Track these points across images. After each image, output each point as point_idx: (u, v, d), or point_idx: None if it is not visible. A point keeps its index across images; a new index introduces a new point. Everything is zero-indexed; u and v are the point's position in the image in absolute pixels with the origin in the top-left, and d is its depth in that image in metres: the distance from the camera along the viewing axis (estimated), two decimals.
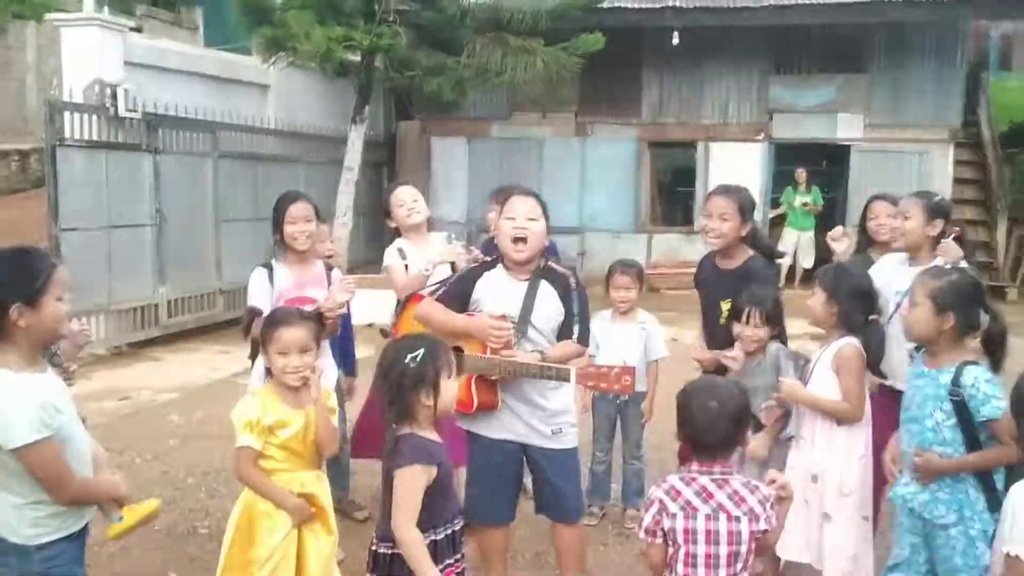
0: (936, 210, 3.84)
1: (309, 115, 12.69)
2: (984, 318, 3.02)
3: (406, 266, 4.54)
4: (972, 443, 2.95)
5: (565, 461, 3.62)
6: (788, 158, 14.47)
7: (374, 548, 2.66)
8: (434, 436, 2.68)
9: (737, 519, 2.49)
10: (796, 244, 13.48)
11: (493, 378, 3.45)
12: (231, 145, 10.82)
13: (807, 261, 13.25)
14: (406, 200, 4.70)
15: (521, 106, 14.44)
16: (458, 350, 3.43)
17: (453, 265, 4.51)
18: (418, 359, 2.60)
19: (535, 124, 14.64)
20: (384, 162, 14.87)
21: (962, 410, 2.93)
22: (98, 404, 6.90)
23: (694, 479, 2.54)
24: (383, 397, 2.64)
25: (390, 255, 4.63)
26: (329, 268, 4.30)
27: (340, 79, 11.63)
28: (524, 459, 3.65)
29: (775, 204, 14.17)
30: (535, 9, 10.82)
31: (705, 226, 3.99)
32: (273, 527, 3.04)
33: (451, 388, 2.67)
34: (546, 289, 3.54)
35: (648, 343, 4.87)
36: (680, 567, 2.51)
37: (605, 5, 11.84)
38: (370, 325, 7.38)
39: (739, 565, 2.50)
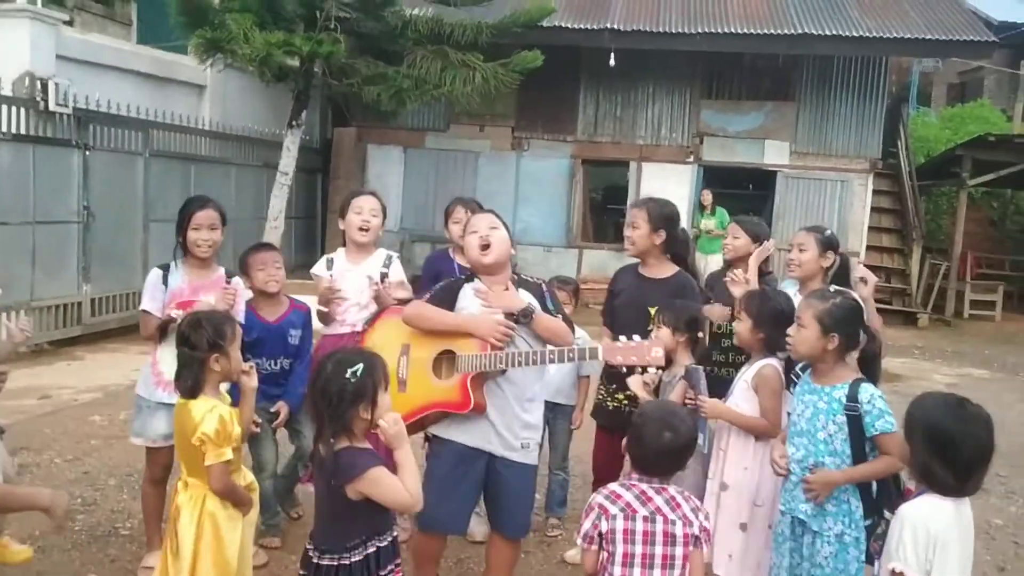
0: (828, 243, 4.08)
1: (244, 118, 12.61)
2: (863, 338, 3.24)
3: (331, 277, 4.52)
4: (858, 455, 3.15)
5: (527, 476, 3.66)
6: (717, 181, 14.86)
7: (316, 560, 2.69)
8: (368, 447, 2.73)
9: (672, 522, 2.67)
10: (704, 268, 13.21)
11: (487, 377, 3.47)
12: (164, 144, 10.68)
13: None
14: (364, 210, 4.52)
15: (458, 118, 14.55)
16: (447, 353, 3.51)
17: (384, 276, 4.54)
18: (358, 374, 2.63)
19: (472, 137, 14.77)
20: (319, 168, 14.83)
21: (854, 424, 3.14)
22: (17, 402, 6.74)
23: (634, 485, 2.72)
24: (319, 412, 2.67)
25: (318, 266, 4.62)
26: (230, 275, 4.19)
27: (272, 84, 11.58)
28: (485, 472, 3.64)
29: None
30: (476, 23, 10.94)
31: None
32: (233, 527, 3.11)
33: (386, 400, 2.71)
34: (524, 296, 3.61)
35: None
36: (617, 569, 2.64)
37: (545, 24, 12.03)
38: None
39: (675, 572, 2.64)
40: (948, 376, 10.35)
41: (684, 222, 11.43)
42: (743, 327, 3.64)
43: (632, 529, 2.66)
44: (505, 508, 3.64)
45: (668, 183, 14.20)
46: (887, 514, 3.11)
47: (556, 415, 4.98)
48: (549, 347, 3.49)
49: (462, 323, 3.50)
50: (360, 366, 2.65)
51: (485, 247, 3.57)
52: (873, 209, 14.71)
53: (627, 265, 4.52)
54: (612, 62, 12.99)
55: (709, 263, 13.32)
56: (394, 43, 10.97)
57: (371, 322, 4.07)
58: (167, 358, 3.74)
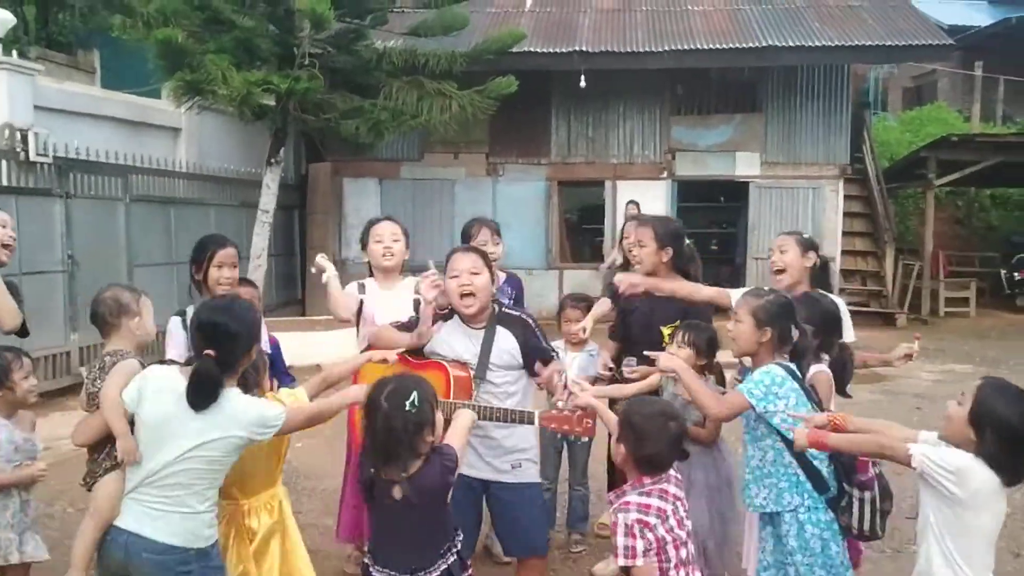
0: (808, 244, 4.19)
1: (220, 158, 12.59)
2: (795, 333, 3.34)
3: (362, 301, 4.44)
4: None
5: (526, 493, 3.67)
6: (690, 195, 15.07)
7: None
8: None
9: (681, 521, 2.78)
10: None
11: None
12: (143, 189, 10.64)
13: None
14: (384, 237, 4.46)
15: (432, 147, 14.64)
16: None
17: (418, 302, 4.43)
18: (416, 403, 2.66)
19: (447, 164, 14.86)
20: (296, 204, 14.80)
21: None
22: None
23: (650, 490, 2.77)
24: (382, 449, 2.68)
25: (349, 287, 4.48)
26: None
27: (251, 123, 11.60)
28: (484, 500, 3.69)
29: None
30: (449, 53, 11.07)
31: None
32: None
33: (440, 417, 2.76)
34: (503, 334, 3.64)
35: (597, 368, 5.04)
36: (681, 572, 2.70)
37: (515, 49, 12.18)
38: (317, 365, 7.37)
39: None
40: (933, 373, 10.53)
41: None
42: (742, 328, 3.69)
43: (671, 527, 2.73)
44: (516, 529, 3.66)
45: (644, 199, 14.29)
46: (847, 488, 3.22)
47: None
48: (495, 406, 3.48)
49: (409, 341, 3.67)
50: (414, 395, 2.67)
51: (467, 295, 3.58)
52: (844, 214, 14.96)
53: None
54: (583, 83, 13.16)
55: None
56: (369, 76, 11.05)
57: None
58: None
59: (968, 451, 2.64)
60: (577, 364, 4.94)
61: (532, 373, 3.67)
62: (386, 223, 4.55)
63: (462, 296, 3.58)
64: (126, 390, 2.91)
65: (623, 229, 5.11)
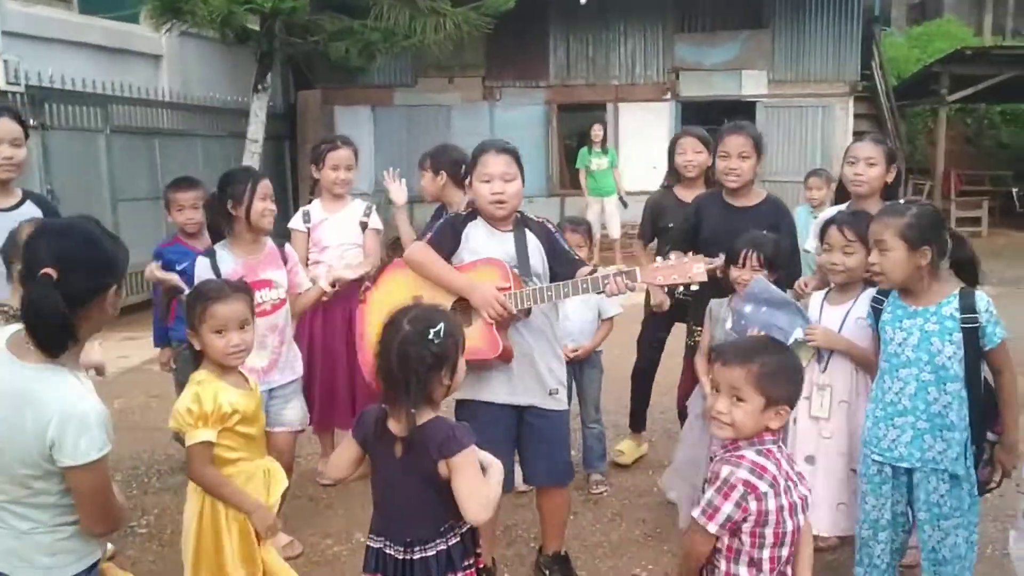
0: (892, 156, 3.77)
1: (205, 86, 12.06)
2: (949, 244, 2.95)
3: (308, 230, 4.59)
4: (972, 374, 2.89)
5: (559, 423, 3.53)
6: (694, 116, 14.54)
7: (402, 556, 2.38)
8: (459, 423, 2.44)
9: (797, 486, 2.34)
10: (601, 212, 12.07)
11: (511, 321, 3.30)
12: (124, 120, 10.15)
13: (614, 230, 12.04)
14: (341, 163, 4.56)
15: (427, 72, 14.07)
16: (463, 300, 3.30)
17: (364, 225, 4.59)
18: (441, 334, 2.29)
19: (441, 90, 14.30)
20: (285, 134, 14.30)
21: (970, 339, 2.86)
22: None
23: (770, 451, 2.29)
24: (394, 380, 2.31)
25: (295, 220, 4.63)
26: (280, 245, 3.95)
27: (237, 48, 11.05)
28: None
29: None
30: None
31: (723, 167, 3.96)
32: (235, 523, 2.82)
33: (463, 365, 2.40)
34: (531, 238, 3.44)
35: (602, 300, 4.69)
36: (766, 552, 2.26)
37: None
38: None
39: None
40: None
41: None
42: (856, 259, 3.28)
43: (782, 505, 2.25)
44: (545, 457, 3.51)
45: (647, 122, 13.90)
46: (990, 436, 2.91)
47: (582, 364, 4.69)
48: (580, 277, 3.28)
49: (461, 287, 3.31)
50: (442, 325, 2.30)
51: (499, 202, 3.36)
52: (853, 133, 14.49)
53: (707, 193, 4.29)
54: (583, 0, 12.54)
55: (606, 207, 12.12)
56: None
57: (374, 279, 3.80)
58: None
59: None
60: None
61: (554, 279, 3.42)
62: (343, 150, 4.60)
63: (496, 203, 3.36)
64: None
65: (673, 144, 4.80)
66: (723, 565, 2.30)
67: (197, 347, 2.87)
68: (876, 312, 3.08)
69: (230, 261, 3.72)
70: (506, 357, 3.31)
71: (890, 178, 3.74)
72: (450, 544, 2.37)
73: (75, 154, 9.35)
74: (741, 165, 3.91)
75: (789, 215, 4.16)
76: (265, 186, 3.77)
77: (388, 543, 2.41)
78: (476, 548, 2.49)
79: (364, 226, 4.62)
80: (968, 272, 2.98)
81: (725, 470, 2.24)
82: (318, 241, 4.56)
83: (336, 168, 4.55)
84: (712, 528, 2.24)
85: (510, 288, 3.24)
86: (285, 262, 3.88)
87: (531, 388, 3.41)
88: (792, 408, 2.33)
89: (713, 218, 4.05)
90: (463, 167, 4.02)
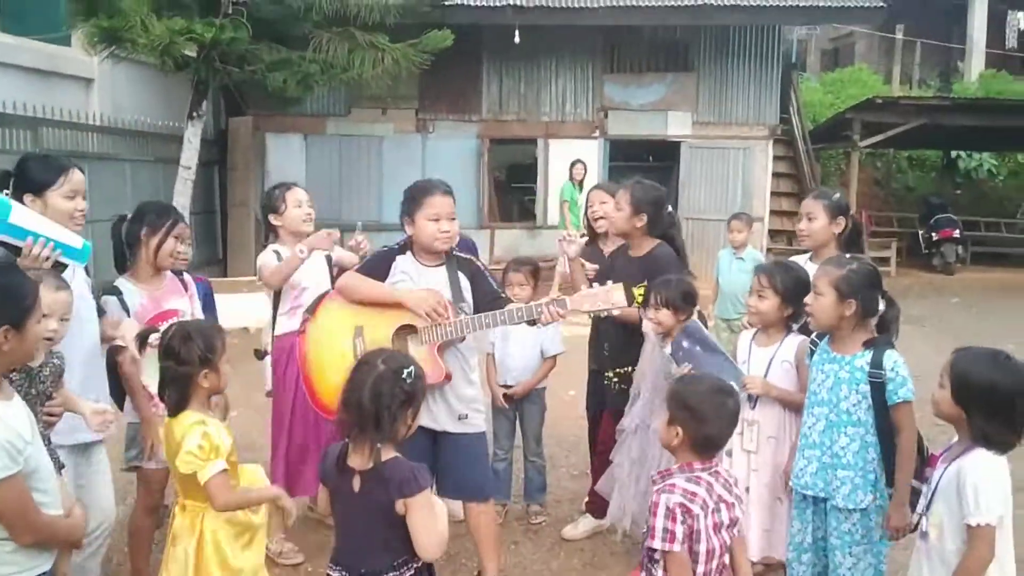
0: (837, 209, 3.94)
1: (136, 111, 11.92)
2: (881, 304, 3.24)
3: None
4: (880, 424, 3.14)
5: (473, 444, 3.77)
6: (621, 154, 14.97)
7: None
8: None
9: (732, 506, 2.61)
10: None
11: (447, 346, 3.56)
12: (54, 143, 9.96)
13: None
14: (304, 202, 4.52)
15: (360, 102, 14.15)
16: (408, 328, 3.55)
17: (329, 259, 4.55)
18: (412, 375, 2.47)
19: (374, 121, 14.40)
20: (215, 160, 14.17)
21: (877, 392, 3.13)
22: None
23: (699, 478, 2.57)
24: (364, 415, 2.45)
25: (266, 255, 4.44)
26: (179, 273, 3.97)
27: (171, 74, 10.99)
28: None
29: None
30: (382, 4, 10.62)
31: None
32: (243, 545, 2.91)
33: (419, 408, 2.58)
34: (460, 275, 3.73)
35: (545, 339, 4.90)
36: (700, 568, 2.52)
37: (448, 2, 11.80)
38: (245, 328, 7.06)
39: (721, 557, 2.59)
40: None
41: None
42: (769, 304, 3.59)
43: (709, 525, 2.54)
44: (455, 476, 3.72)
45: (576, 158, 14.22)
46: (914, 483, 3.13)
47: (523, 400, 4.88)
48: (514, 306, 3.60)
49: (398, 296, 3.57)
50: (412, 368, 2.48)
51: (447, 239, 3.67)
52: (772, 174, 15.09)
53: (622, 245, 4.50)
54: (517, 39, 12.86)
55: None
56: (297, 26, 10.52)
57: (311, 310, 3.93)
58: (150, 372, 3.44)
59: (961, 429, 2.58)
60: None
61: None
62: (299, 188, 4.59)
63: (440, 239, 3.65)
64: None
65: (588, 197, 4.98)
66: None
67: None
68: (813, 351, 3.37)
69: (136, 294, 3.71)
70: (448, 381, 3.58)
71: (836, 229, 3.90)
72: None
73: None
74: (613, 216, 4.29)
75: (669, 264, 4.23)
76: (184, 229, 3.84)
77: (345, 573, 2.55)
78: None
79: (329, 259, 4.56)
80: (885, 332, 3.25)
81: (663, 498, 2.52)
82: (296, 284, 4.36)
83: (300, 205, 4.48)
84: (677, 547, 2.48)
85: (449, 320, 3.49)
86: (186, 288, 3.92)
87: (443, 414, 3.66)
88: (687, 435, 2.62)
89: (618, 266, 4.33)
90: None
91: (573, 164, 12.71)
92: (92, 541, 3.29)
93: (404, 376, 2.46)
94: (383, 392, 2.44)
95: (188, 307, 3.85)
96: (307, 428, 4.35)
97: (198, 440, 2.80)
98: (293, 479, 4.31)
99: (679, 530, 2.48)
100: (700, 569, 2.52)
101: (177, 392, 2.89)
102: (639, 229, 4.21)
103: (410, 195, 3.71)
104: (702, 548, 2.52)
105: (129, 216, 3.82)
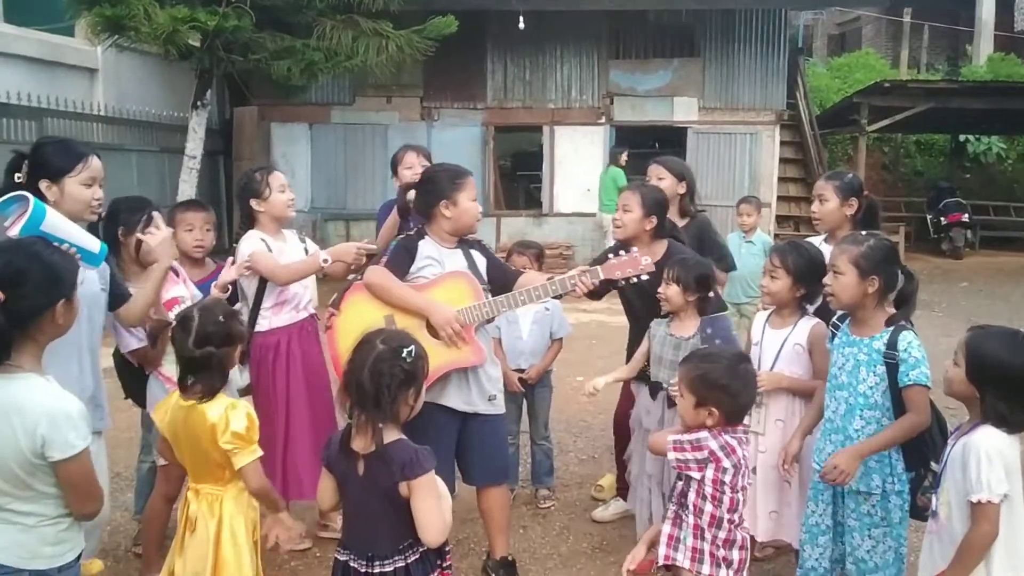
0: (849, 189, 3.85)
1: (140, 101, 11.92)
2: (900, 278, 3.19)
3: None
4: (898, 407, 3.08)
5: (499, 426, 3.80)
6: (628, 140, 14.90)
7: (365, 570, 2.49)
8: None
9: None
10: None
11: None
12: (59, 133, 9.94)
13: None
14: (287, 188, 4.22)
15: (365, 91, 14.15)
16: None
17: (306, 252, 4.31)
18: (412, 355, 2.44)
19: (379, 109, 14.39)
20: (220, 150, 14.17)
21: (893, 373, 3.08)
22: None
23: (741, 438, 2.80)
24: (364, 395, 2.43)
25: (255, 243, 4.05)
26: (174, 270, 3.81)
27: (174, 63, 10.96)
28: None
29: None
30: None
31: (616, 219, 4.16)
32: (249, 531, 2.92)
33: (424, 390, 2.55)
34: (475, 254, 3.78)
35: (553, 321, 4.87)
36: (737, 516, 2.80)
37: None
38: None
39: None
40: None
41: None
42: (780, 284, 3.54)
43: (737, 482, 2.76)
44: (485, 458, 3.74)
45: (581, 145, 14.21)
46: (933, 465, 3.06)
47: (534, 384, 4.85)
48: (548, 281, 3.62)
49: (421, 308, 3.56)
50: (413, 347, 2.46)
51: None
52: (780, 159, 15.02)
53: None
54: (521, 25, 12.80)
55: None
56: (301, 15, 10.47)
57: (337, 303, 3.85)
58: (171, 360, 3.36)
59: (973, 408, 2.55)
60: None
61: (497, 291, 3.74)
62: (279, 172, 4.28)
63: (477, 220, 3.74)
64: None
65: (647, 172, 4.79)
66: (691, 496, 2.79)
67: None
68: (834, 335, 3.32)
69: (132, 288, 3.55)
70: (483, 362, 3.62)
71: (849, 211, 3.82)
72: (409, 561, 2.49)
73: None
74: (623, 217, 4.08)
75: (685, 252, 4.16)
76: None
77: (353, 556, 2.54)
78: (442, 562, 2.61)
79: (307, 252, 4.25)
80: (904, 307, 3.18)
81: (699, 435, 2.75)
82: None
83: (283, 189, 4.16)
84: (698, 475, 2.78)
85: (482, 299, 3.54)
86: (177, 274, 3.77)
87: (477, 395, 3.65)
88: (721, 412, 2.73)
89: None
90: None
91: (616, 151, 12.72)
92: (90, 533, 3.26)
93: (404, 355, 2.44)
94: (382, 371, 2.41)
95: (186, 292, 3.75)
96: (302, 430, 4.11)
97: (244, 422, 2.78)
98: (292, 481, 4.09)
99: (696, 456, 2.75)
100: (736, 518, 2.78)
101: (219, 374, 2.85)
102: (648, 232, 4.04)
103: (447, 178, 3.66)
104: (725, 499, 2.73)
105: (103, 214, 3.54)
